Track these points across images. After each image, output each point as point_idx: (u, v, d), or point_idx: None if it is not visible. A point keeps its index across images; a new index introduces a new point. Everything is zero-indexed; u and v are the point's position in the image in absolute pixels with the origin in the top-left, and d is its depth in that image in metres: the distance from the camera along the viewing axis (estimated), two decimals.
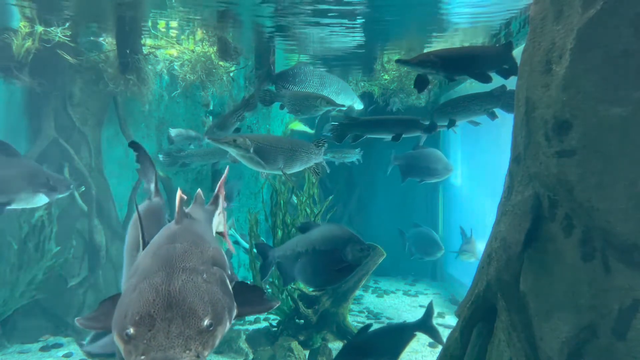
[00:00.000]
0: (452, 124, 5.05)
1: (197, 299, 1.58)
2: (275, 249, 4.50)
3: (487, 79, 4.28)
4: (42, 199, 5.14)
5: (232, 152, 4.22)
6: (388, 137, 5.60)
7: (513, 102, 4.64)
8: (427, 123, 5.18)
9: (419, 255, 8.84)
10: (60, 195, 5.30)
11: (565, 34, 2.57)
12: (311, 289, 6.08)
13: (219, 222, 2.84)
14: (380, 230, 11.43)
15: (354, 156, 8.82)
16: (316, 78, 6.08)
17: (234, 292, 1.87)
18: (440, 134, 11.26)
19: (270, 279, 6.26)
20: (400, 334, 4.98)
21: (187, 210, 2.24)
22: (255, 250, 5.81)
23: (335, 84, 6.27)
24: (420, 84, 4.37)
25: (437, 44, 7.44)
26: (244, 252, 7.77)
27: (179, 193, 2.14)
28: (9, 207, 4.84)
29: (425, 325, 5.04)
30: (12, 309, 6.57)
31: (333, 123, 5.56)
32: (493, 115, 4.93)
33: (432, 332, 5.09)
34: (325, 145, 4.87)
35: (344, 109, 5.99)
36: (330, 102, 5.26)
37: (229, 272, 1.93)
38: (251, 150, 4.16)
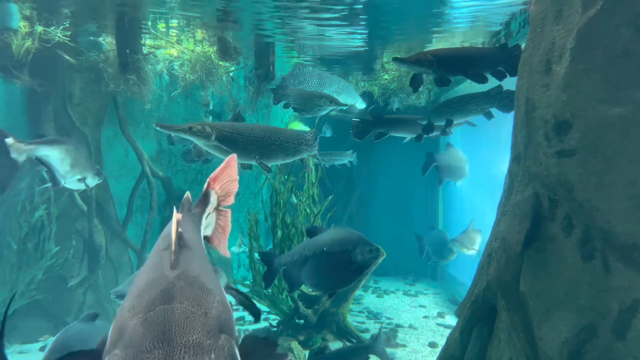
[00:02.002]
0: (449, 123, 5.06)
1: None
2: (280, 256, 4.39)
3: (483, 80, 4.30)
4: (95, 181, 5.77)
5: (195, 141, 3.90)
6: (409, 136, 5.57)
7: (509, 102, 4.70)
8: (424, 123, 5.19)
9: (437, 259, 8.79)
10: (100, 181, 5.94)
11: (565, 34, 2.57)
12: (313, 291, 6.06)
13: (206, 225, 2.32)
14: (380, 230, 11.44)
15: (345, 158, 8.74)
16: (315, 78, 6.07)
17: (241, 353, 1.52)
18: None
19: None
20: (353, 356, 5.10)
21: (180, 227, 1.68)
22: (258, 257, 5.75)
23: (335, 84, 6.25)
24: (415, 82, 4.40)
25: (437, 44, 7.44)
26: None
27: (174, 217, 1.60)
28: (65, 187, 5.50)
29: (374, 348, 5.25)
30: (12, 309, 6.57)
31: (354, 119, 5.44)
32: (489, 115, 4.95)
33: (381, 355, 5.29)
34: (318, 136, 4.59)
35: (345, 108, 5.96)
36: (333, 102, 5.21)
37: (235, 334, 1.55)
38: (212, 138, 3.82)
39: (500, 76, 4.36)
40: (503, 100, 4.74)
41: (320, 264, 3.97)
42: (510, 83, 4.36)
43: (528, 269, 2.79)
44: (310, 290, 6.18)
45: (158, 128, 3.71)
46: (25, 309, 6.72)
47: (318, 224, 6.50)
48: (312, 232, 4.26)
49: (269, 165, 4.29)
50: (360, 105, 6.93)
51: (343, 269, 3.88)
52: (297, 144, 4.32)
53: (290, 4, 5.68)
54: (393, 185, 12.27)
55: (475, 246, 8.07)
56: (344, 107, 5.73)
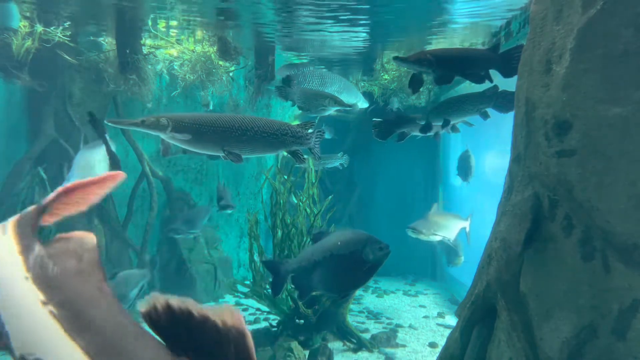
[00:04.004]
0: (446, 123, 5.08)
1: None
2: (286, 263, 4.27)
3: (480, 80, 4.33)
4: None
5: (159, 135, 3.70)
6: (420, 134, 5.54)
7: (505, 102, 4.74)
8: (422, 123, 5.19)
9: (452, 263, 8.78)
10: None
11: (565, 34, 2.57)
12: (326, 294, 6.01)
13: None
14: (381, 230, 11.44)
15: (336, 161, 8.72)
16: (316, 78, 6.03)
17: None
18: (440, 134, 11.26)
19: (271, 279, 6.25)
20: None
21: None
22: (263, 266, 5.68)
23: (337, 83, 6.22)
24: (415, 83, 4.40)
25: (437, 44, 7.45)
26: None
27: None
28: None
29: None
30: None
31: (376, 120, 5.34)
32: (485, 115, 4.98)
33: None
34: (314, 129, 4.22)
35: (349, 108, 5.92)
36: (338, 102, 5.15)
37: None
38: (168, 130, 3.58)
39: (490, 78, 4.38)
40: (499, 100, 4.78)
41: (333, 268, 3.92)
42: (506, 83, 4.39)
43: (528, 269, 2.79)
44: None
45: (110, 124, 3.56)
46: None
47: (318, 225, 6.49)
48: (317, 238, 4.21)
49: (246, 157, 4.00)
50: (363, 104, 6.90)
51: (356, 270, 3.86)
52: (280, 135, 3.96)
53: (291, 4, 5.68)
54: (393, 185, 12.27)
55: (442, 231, 7.53)
56: (348, 108, 5.68)
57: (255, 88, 7.83)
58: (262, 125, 3.91)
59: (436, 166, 12.12)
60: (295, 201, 6.73)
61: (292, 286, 4.34)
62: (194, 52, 7.58)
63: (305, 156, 4.47)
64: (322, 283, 4.02)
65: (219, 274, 9.06)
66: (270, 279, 6.22)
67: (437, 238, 7.48)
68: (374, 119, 5.29)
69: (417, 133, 5.50)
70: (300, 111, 5.43)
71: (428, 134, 5.30)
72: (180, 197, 9.13)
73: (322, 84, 5.97)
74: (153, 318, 1.08)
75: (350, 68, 9.33)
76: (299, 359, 5.70)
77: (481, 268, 3.29)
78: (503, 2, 5.55)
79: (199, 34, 7.22)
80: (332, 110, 5.26)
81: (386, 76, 9.03)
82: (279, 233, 6.44)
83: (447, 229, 7.68)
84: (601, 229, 2.40)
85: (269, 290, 6.37)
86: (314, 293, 6.14)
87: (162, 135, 3.70)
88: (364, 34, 6.99)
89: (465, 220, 8.07)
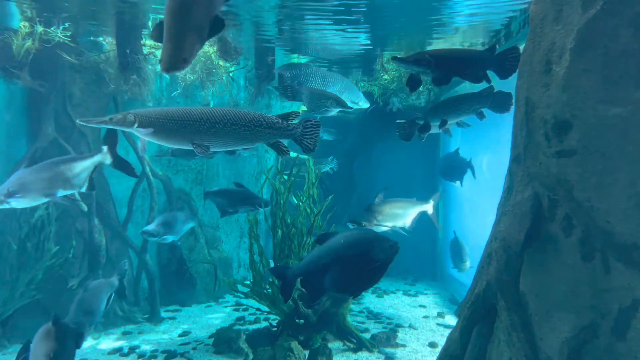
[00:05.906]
0: (444, 124, 5.10)
1: None
2: (294, 268, 4.21)
3: (478, 80, 4.34)
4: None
5: (128, 131, 3.70)
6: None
7: (502, 102, 4.76)
8: (421, 123, 5.20)
9: (454, 266, 8.73)
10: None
11: (565, 34, 2.57)
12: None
13: None
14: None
15: (327, 165, 8.67)
16: (319, 78, 6.02)
17: None
18: (440, 134, 11.26)
19: (270, 279, 6.26)
20: None
21: None
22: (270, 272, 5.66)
23: (339, 83, 6.20)
24: (413, 83, 4.41)
25: (437, 44, 7.45)
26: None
27: None
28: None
29: None
30: (12, 309, 6.57)
31: (399, 121, 5.32)
32: (481, 115, 5.00)
33: None
34: (300, 119, 4.07)
35: (351, 110, 5.91)
36: (340, 104, 5.13)
37: None
38: (135, 126, 3.60)
39: (488, 79, 4.40)
40: (495, 100, 4.81)
41: (344, 269, 3.89)
42: (504, 83, 4.40)
43: (528, 269, 2.80)
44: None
45: (82, 123, 3.58)
46: (25, 308, 6.72)
47: (318, 224, 6.49)
48: (321, 239, 4.19)
49: (219, 150, 3.89)
50: (364, 104, 6.90)
51: (368, 270, 3.85)
52: (253, 127, 3.85)
53: (291, 4, 5.68)
54: (393, 185, 12.27)
55: (389, 220, 7.09)
56: (350, 110, 5.66)
57: (255, 88, 7.83)
58: (231, 117, 3.81)
59: (436, 166, 12.12)
60: (295, 201, 6.73)
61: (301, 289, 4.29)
62: None
63: (305, 157, 4.45)
64: (336, 285, 4.00)
65: (219, 274, 9.07)
66: (271, 279, 6.27)
67: (384, 228, 7.03)
68: (397, 121, 5.24)
69: (435, 131, 5.52)
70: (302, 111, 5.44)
71: (426, 133, 5.32)
72: (181, 196, 9.13)
73: (324, 84, 5.96)
74: None
75: (350, 68, 9.33)
76: (299, 359, 5.70)
77: (481, 268, 3.30)
78: (503, 2, 5.56)
79: None
80: (335, 112, 5.25)
81: (386, 76, 9.03)
82: (279, 233, 6.44)
83: (396, 217, 7.25)
84: (601, 228, 2.40)
85: (269, 290, 6.37)
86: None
87: (131, 131, 3.70)
88: (364, 34, 7.00)
89: (426, 204, 7.78)
